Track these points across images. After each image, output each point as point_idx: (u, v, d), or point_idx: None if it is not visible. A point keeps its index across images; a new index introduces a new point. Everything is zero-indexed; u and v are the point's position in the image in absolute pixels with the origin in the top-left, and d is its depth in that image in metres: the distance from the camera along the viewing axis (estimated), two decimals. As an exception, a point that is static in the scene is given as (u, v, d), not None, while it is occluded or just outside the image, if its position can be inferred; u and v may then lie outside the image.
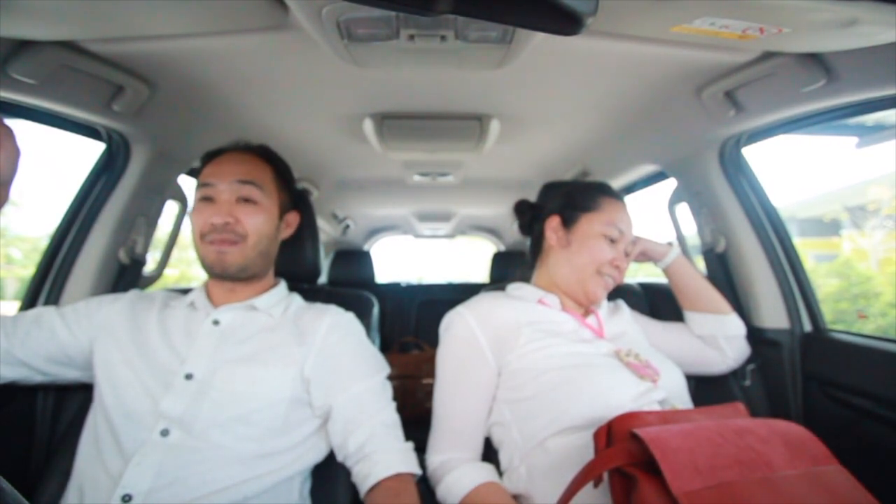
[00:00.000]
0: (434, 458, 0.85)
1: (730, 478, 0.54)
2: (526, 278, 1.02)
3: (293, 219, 0.96)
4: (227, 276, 0.84)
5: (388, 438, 0.79)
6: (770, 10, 0.59)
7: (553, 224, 0.96)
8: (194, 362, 0.77)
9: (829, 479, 0.58)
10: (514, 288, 0.98)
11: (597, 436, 0.65)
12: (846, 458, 0.62)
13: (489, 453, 0.87)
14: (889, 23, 0.59)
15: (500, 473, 0.84)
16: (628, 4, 0.62)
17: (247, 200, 0.83)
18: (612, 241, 0.92)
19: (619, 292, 1.17)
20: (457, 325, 0.88)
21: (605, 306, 1.00)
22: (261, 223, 0.84)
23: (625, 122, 1.19)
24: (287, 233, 0.94)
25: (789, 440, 0.61)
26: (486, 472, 0.81)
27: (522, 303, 0.92)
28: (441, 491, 0.80)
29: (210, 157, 0.89)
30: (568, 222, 0.95)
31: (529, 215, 1.05)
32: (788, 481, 0.55)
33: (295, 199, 0.97)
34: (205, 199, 0.83)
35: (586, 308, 0.96)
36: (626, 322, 0.99)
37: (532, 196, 1.10)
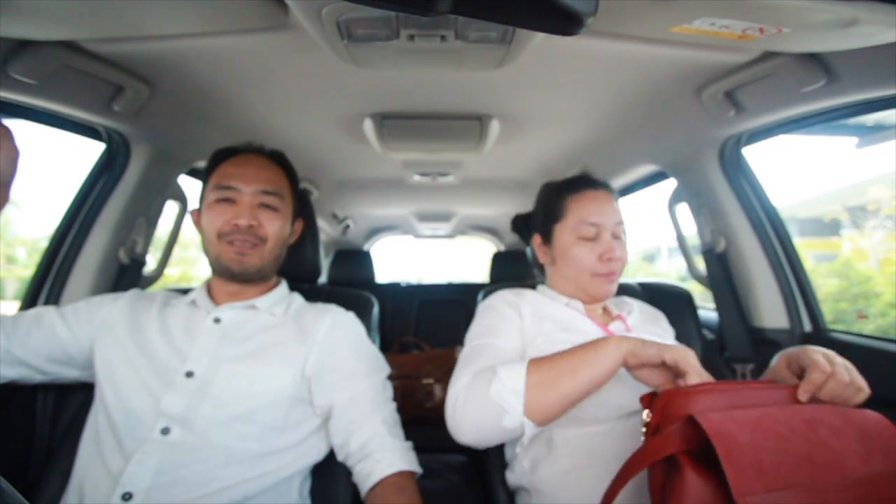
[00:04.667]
0: (463, 377, 0.71)
1: (798, 480, 0.46)
2: (541, 280, 1.01)
3: (298, 226, 0.98)
4: (245, 278, 0.85)
5: (389, 438, 0.79)
6: (770, 10, 0.59)
7: (537, 243, 0.96)
8: (195, 360, 0.77)
9: None
10: (543, 290, 0.96)
11: (644, 402, 0.58)
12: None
13: (488, 449, 0.87)
14: (889, 23, 0.59)
15: (504, 466, 0.83)
16: (628, 4, 0.62)
17: (268, 206, 0.85)
18: (591, 238, 0.86)
19: (620, 292, 1.16)
20: (499, 296, 0.89)
21: (638, 311, 0.95)
22: (279, 228, 0.87)
23: (625, 122, 1.19)
24: (292, 239, 0.96)
25: (866, 433, 0.51)
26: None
27: (551, 301, 0.90)
28: (492, 392, 0.66)
29: (223, 156, 0.89)
30: (546, 238, 0.94)
31: (525, 229, 1.06)
32: (867, 485, 0.47)
33: (300, 205, 0.98)
34: (225, 200, 0.83)
35: (609, 313, 0.94)
36: (666, 334, 0.94)
37: (531, 196, 1.10)
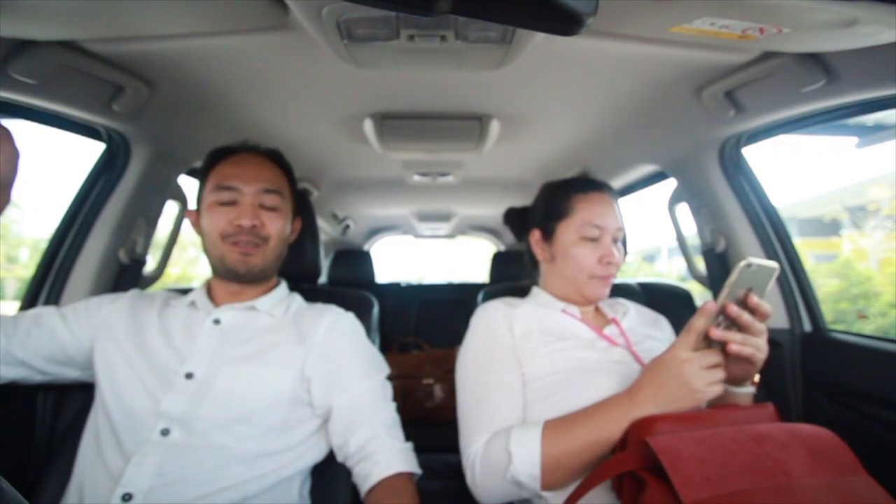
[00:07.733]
0: (475, 444, 0.75)
1: (742, 486, 0.52)
2: (535, 281, 1.00)
3: (297, 225, 0.98)
4: (249, 279, 0.86)
5: (388, 439, 0.79)
6: (770, 10, 0.59)
7: (535, 239, 0.95)
8: (195, 362, 0.77)
9: (853, 490, 0.54)
10: (537, 293, 0.96)
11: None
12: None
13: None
14: (889, 23, 0.59)
15: None
16: (628, 4, 0.62)
17: (269, 206, 0.86)
18: (593, 239, 0.87)
19: (620, 292, 1.16)
20: (495, 311, 0.87)
21: (634, 313, 0.95)
22: (281, 228, 0.88)
23: (625, 122, 1.19)
24: (291, 238, 0.96)
25: (813, 447, 0.57)
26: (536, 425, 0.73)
27: (544, 309, 0.89)
28: (511, 470, 0.69)
29: (220, 156, 0.89)
30: (547, 235, 0.93)
31: (519, 224, 1.04)
32: (807, 491, 0.52)
33: (299, 204, 0.99)
34: (227, 202, 0.84)
35: (604, 316, 0.94)
36: (665, 337, 0.94)
37: (531, 196, 1.10)
